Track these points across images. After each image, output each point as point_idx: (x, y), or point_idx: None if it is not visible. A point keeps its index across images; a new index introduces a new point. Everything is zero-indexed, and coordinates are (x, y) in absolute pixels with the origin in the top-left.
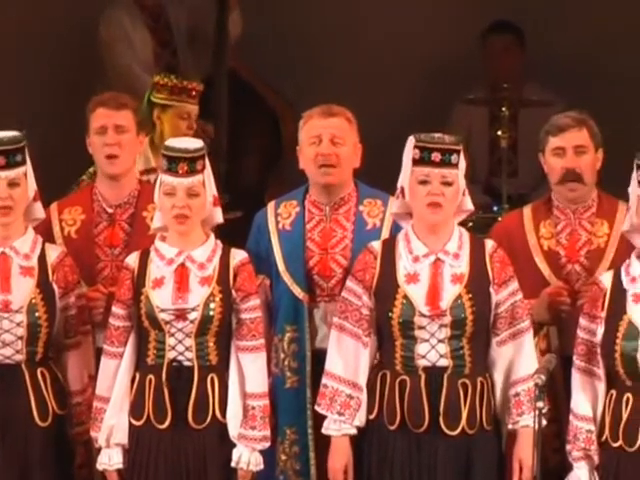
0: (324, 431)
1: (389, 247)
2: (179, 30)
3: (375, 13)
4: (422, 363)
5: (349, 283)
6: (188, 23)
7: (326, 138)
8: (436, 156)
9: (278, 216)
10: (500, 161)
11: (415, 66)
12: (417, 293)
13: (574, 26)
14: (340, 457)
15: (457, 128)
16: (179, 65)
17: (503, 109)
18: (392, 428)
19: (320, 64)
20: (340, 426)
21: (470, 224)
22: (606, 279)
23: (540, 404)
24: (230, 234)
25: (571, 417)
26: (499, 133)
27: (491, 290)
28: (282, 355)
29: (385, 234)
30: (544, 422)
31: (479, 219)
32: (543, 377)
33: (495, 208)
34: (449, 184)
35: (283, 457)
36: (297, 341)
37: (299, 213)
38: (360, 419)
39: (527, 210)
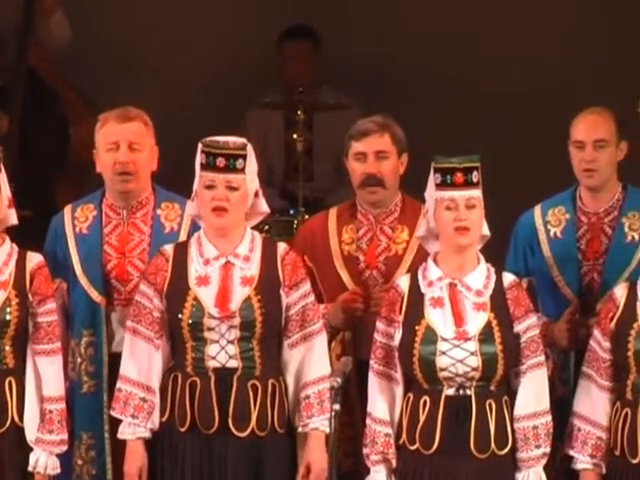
0: (119, 435)
1: (182, 250)
2: (8, 25)
3: (171, 14)
4: (212, 364)
5: (141, 286)
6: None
7: (124, 145)
8: (221, 161)
9: (75, 220)
10: (296, 165)
11: (210, 69)
12: (207, 295)
13: (370, 30)
14: (134, 460)
15: (253, 132)
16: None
17: (298, 113)
18: (183, 430)
19: (122, 64)
20: (134, 429)
21: (267, 227)
22: (403, 283)
23: (337, 407)
24: (19, 234)
25: (369, 421)
26: (295, 137)
27: (281, 292)
28: (79, 359)
29: (183, 237)
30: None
31: (275, 222)
32: (339, 380)
33: (291, 212)
34: (234, 189)
35: (80, 462)
36: (94, 345)
37: (96, 217)
38: (154, 422)
39: (333, 213)
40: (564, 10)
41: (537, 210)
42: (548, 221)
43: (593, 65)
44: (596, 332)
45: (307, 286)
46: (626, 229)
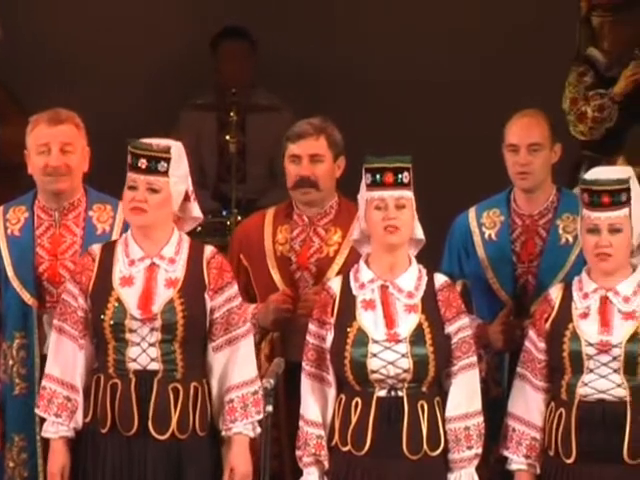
0: (43, 434)
1: (109, 250)
2: None
3: (104, 14)
4: (133, 366)
5: (68, 285)
6: None
7: (55, 147)
8: (143, 163)
9: (7, 222)
10: (229, 166)
11: (144, 70)
12: (130, 296)
13: (302, 32)
14: (57, 460)
15: (186, 133)
16: None
17: (231, 114)
18: (104, 431)
19: (55, 64)
20: (57, 428)
21: (199, 229)
22: (335, 285)
23: (269, 408)
24: None
25: (301, 423)
26: (227, 138)
27: (206, 296)
28: (11, 362)
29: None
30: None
31: (208, 224)
32: (272, 381)
33: (224, 213)
34: (155, 191)
35: (11, 464)
36: (26, 347)
37: (28, 219)
38: (77, 422)
39: (270, 213)
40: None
41: (472, 212)
42: (483, 223)
43: (529, 67)
44: (531, 333)
45: (233, 290)
46: (560, 231)
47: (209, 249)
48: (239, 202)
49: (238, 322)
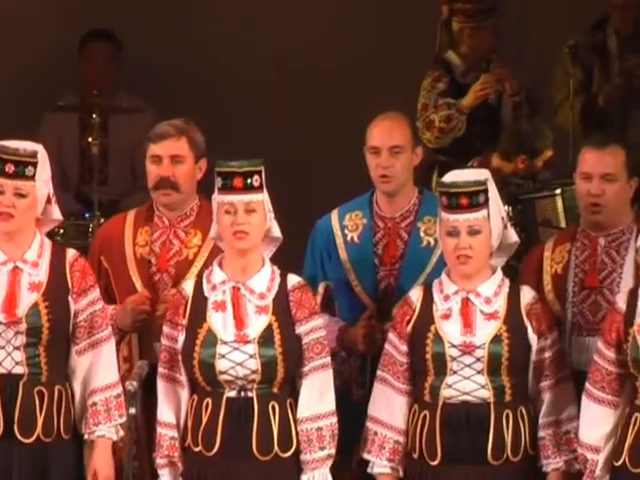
0: None
1: None
2: None
3: None
4: None
5: None
6: None
7: None
8: (10, 167)
9: None
10: (91, 168)
11: (6, 72)
12: None
13: (165, 35)
14: None
15: (48, 135)
16: None
17: (94, 116)
18: None
19: None
20: None
21: (61, 231)
22: (188, 287)
23: (132, 410)
24: None
25: (157, 425)
26: (90, 140)
27: (70, 299)
28: None
29: None
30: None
31: (70, 226)
32: (135, 384)
33: (87, 215)
34: (23, 196)
35: None
36: None
37: None
38: None
39: (131, 215)
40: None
41: (334, 215)
42: (345, 226)
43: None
44: (392, 336)
45: (96, 293)
46: (422, 234)
47: (71, 252)
48: (101, 204)
49: (101, 325)
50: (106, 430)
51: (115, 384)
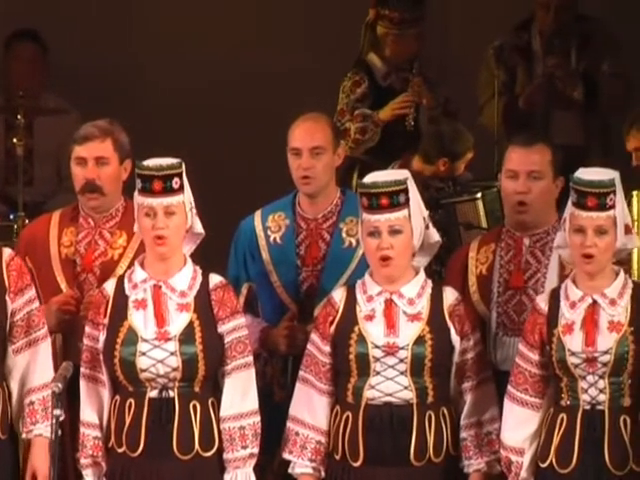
0: None
1: None
2: None
3: None
4: None
5: None
6: None
7: None
8: None
9: None
10: (16, 169)
11: None
12: None
13: (91, 36)
14: None
15: None
16: None
17: (19, 117)
18: None
19: None
20: None
21: None
22: (109, 286)
23: (57, 412)
24: None
25: (80, 425)
26: (15, 141)
27: (7, 298)
28: None
29: None
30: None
31: None
32: (60, 385)
33: (11, 216)
34: None
35: None
36: None
37: None
38: None
39: (56, 215)
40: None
41: (257, 216)
42: (268, 227)
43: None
44: (315, 336)
45: (32, 292)
46: (344, 234)
47: (7, 252)
48: (26, 205)
49: (38, 324)
50: (43, 429)
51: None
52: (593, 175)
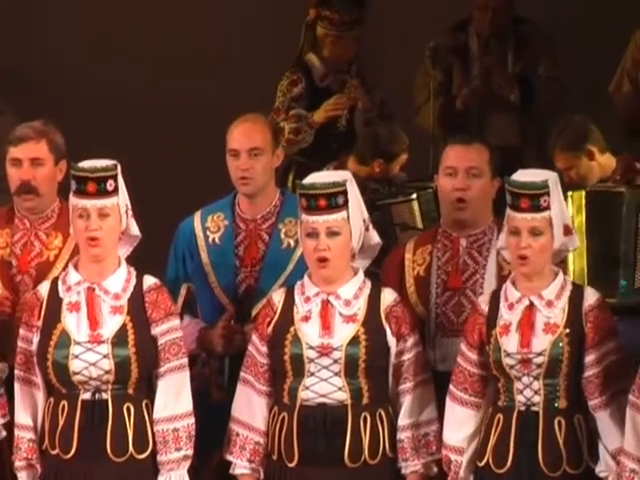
0: None
1: None
2: None
3: None
4: None
5: None
6: None
7: None
8: None
9: None
10: None
11: None
12: None
13: (21, 38)
14: None
15: None
16: None
17: None
18: None
19: None
20: None
21: None
22: (43, 288)
23: None
24: None
25: (15, 428)
26: None
27: None
28: None
29: None
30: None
31: None
32: None
33: None
34: None
35: None
36: None
37: None
38: None
39: None
40: None
41: (197, 216)
42: (207, 227)
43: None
44: (254, 337)
45: None
46: (282, 235)
47: None
48: None
49: None
50: None
51: None
52: (528, 177)
